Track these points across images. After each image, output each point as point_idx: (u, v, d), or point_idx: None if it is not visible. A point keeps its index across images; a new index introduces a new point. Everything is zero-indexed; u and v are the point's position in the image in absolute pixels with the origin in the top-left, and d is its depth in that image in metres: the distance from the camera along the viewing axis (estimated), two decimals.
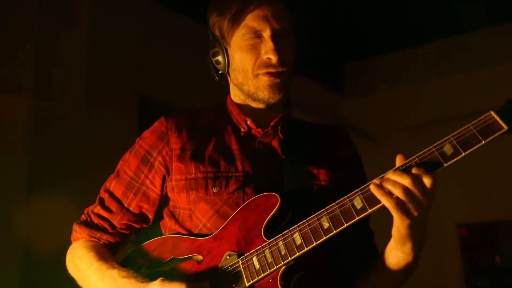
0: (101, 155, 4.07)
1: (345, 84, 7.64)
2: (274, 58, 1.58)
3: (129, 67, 4.59)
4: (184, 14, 5.10)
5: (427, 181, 1.33)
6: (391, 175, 1.36)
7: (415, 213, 1.35)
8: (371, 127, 7.12)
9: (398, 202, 1.34)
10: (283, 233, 1.47)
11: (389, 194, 1.34)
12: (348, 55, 7.11)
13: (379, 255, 1.58)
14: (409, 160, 1.38)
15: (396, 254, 1.47)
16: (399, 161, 1.40)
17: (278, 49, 1.59)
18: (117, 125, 4.43)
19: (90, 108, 4.30)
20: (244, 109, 1.74)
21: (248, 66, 1.63)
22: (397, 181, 1.34)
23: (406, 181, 1.33)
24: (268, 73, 1.61)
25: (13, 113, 4.25)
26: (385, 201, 1.35)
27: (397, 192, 1.33)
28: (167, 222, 1.73)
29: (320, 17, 5.65)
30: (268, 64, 1.60)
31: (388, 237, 1.47)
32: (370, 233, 1.77)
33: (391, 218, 1.39)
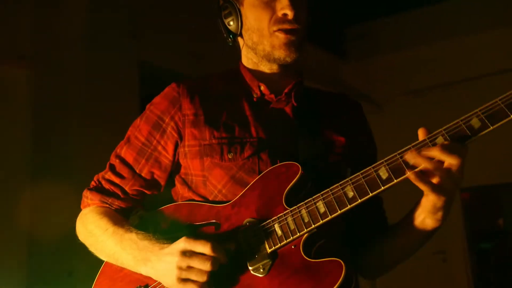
0: (103, 124, 4.08)
1: (347, 48, 7.58)
2: (290, 14, 1.58)
3: (129, 33, 4.53)
4: None
5: (463, 153, 1.34)
6: (431, 153, 1.34)
7: (451, 188, 1.37)
8: (373, 91, 7.09)
9: (435, 185, 1.35)
10: (305, 201, 1.46)
11: (425, 179, 1.35)
12: (350, 18, 7.03)
13: (402, 220, 1.58)
14: (435, 132, 1.38)
15: (424, 220, 1.48)
16: (422, 134, 1.39)
17: (294, 5, 1.58)
18: (118, 93, 4.40)
19: (90, 76, 4.26)
20: (257, 74, 1.72)
21: (263, 24, 1.61)
22: (439, 161, 1.34)
23: (449, 160, 1.33)
24: (284, 31, 1.60)
25: (13, 83, 4.22)
26: (423, 187, 1.36)
27: (440, 175, 1.34)
28: (179, 189, 1.71)
29: None
30: (284, 20, 1.60)
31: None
32: (380, 200, 1.78)
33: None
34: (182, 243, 1.43)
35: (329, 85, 6.05)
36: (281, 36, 1.60)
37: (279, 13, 1.60)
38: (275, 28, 1.61)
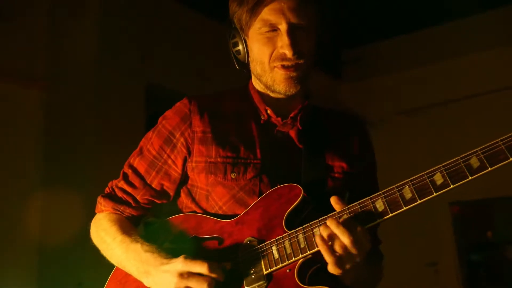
0: (111, 142, 4.28)
1: (343, 70, 7.72)
2: (289, 53, 1.58)
3: (136, 56, 4.72)
4: (189, 7, 5.25)
5: (364, 238, 1.41)
6: (334, 229, 1.40)
7: (348, 266, 1.42)
8: (368, 111, 7.20)
9: (338, 259, 1.41)
10: (303, 226, 1.50)
11: (332, 250, 1.41)
12: (346, 41, 7.15)
13: None
14: (351, 206, 1.47)
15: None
16: (334, 202, 1.48)
17: (293, 44, 1.58)
18: (125, 113, 4.59)
19: (99, 96, 4.45)
20: (265, 97, 1.75)
21: (264, 59, 1.64)
22: (339, 238, 1.40)
23: (346, 240, 1.38)
24: (284, 67, 1.61)
25: (26, 102, 4.40)
26: (327, 257, 1.41)
27: (338, 250, 1.40)
28: (183, 200, 1.78)
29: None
30: (283, 58, 1.60)
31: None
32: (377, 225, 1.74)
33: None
34: (180, 264, 1.49)
35: (325, 105, 6.21)
36: (281, 72, 1.62)
37: (279, 50, 1.61)
38: (275, 64, 1.63)
